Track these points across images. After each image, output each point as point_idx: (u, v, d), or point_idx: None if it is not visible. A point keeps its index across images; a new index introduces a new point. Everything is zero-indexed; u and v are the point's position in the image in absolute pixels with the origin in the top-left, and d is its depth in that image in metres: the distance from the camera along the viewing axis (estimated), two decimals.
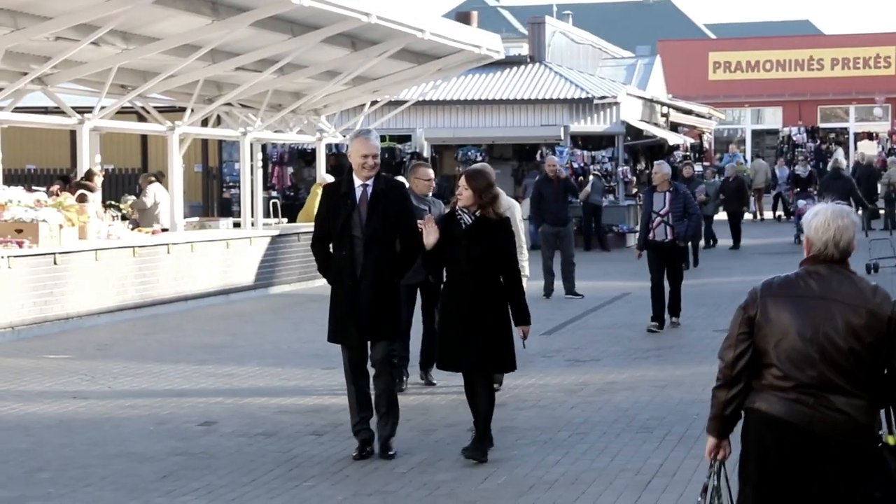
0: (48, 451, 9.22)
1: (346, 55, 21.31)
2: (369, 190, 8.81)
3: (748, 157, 48.16)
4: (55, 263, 15.99)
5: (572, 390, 11.60)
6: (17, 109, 19.94)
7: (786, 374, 4.93)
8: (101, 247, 17.02)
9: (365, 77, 23.53)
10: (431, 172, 11.97)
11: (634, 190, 32.61)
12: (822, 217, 4.97)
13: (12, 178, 25.53)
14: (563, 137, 31.26)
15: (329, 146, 28.22)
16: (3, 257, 15.07)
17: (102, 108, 19.29)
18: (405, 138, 32.09)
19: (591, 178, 30.20)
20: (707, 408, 9.23)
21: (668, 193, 15.62)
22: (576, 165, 31.00)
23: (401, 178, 28.76)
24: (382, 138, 31.39)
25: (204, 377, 12.51)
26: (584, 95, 31.47)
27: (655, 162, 17.29)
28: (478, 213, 8.75)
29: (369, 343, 8.89)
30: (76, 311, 16.36)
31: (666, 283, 15.78)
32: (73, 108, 19.52)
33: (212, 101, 22.05)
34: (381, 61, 21.96)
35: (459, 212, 8.83)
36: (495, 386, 10.90)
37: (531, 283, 12.51)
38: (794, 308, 4.94)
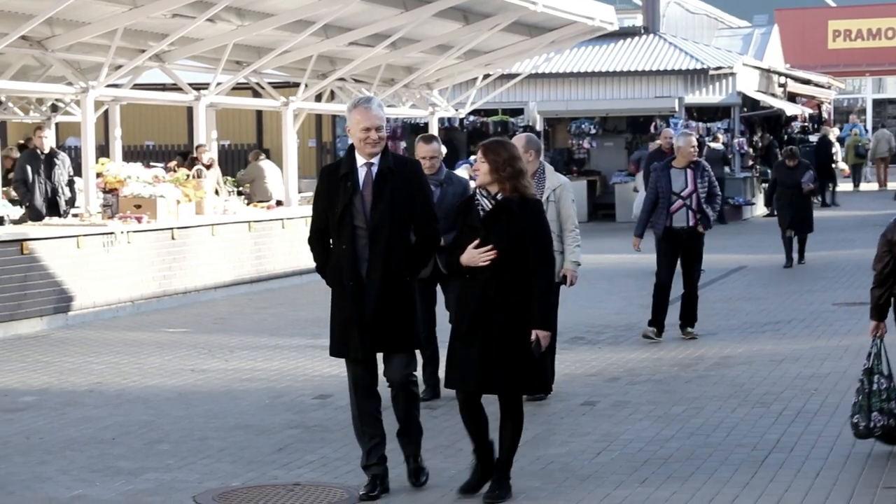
0: (167, 423, 9.37)
1: (459, 29, 21.27)
2: (374, 170, 7.17)
3: (868, 127, 47.16)
4: (173, 238, 16.24)
5: (687, 364, 11.48)
6: (136, 86, 20.27)
7: None
8: (217, 222, 17.25)
9: (477, 50, 23.47)
10: (431, 147, 9.82)
11: (751, 162, 32.23)
12: None
13: (132, 155, 25.99)
14: (677, 109, 30.90)
15: (441, 120, 28.25)
16: (122, 232, 15.35)
17: (218, 84, 19.50)
18: (518, 112, 31.97)
19: (706, 148, 29.79)
20: (825, 383, 9.61)
21: (688, 170, 12.69)
22: None
23: None
24: (495, 112, 31.36)
25: (319, 351, 12.59)
26: (699, 66, 31.07)
27: (681, 132, 13.99)
28: (498, 196, 7.07)
29: (382, 358, 7.30)
30: (193, 286, 16.61)
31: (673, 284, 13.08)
32: (190, 84, 19.76)
33: (325, 77, 22.18)
34: (493, 34, 21.88)
35: (479, 195, 7.17)
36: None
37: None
38: None
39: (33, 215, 17.51)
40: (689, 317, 13.02)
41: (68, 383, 11.04)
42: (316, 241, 7.41)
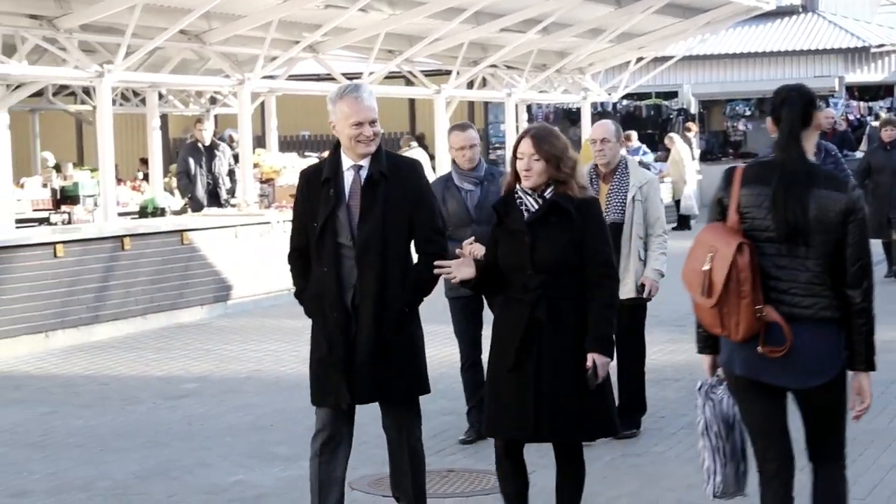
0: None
1: (611, 12, 21.10)
2: (364, 174, 5.84)
3: None
4: None
5: None
6: (291, 77, 20.57)
7: None
8: None
9: (630, 34, 23.26)
10: (469, 135, 8.24)
11: None
12: None
13: (287, 145, 26.41)
14: (837, 89, 30.23)
15: (594, 105, 28.08)
16: (278, 222, 15.58)
17: (371, 73, 19.68)
18: (672, 95, 31.65)
19: (867, 127, 29.10)
20: None
21: None
22: (851, 117, 29.91)
23: (675, 136, 27.47)
24: (648, 95, 31.04)
25: None
26: (860, 44, 30.35)
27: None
28: (547, 195, 5.62)
29: (379, 406, 6.19)
30: None
31: None
32: (343, 74, 19.98)
33: (477, 64, 22.22)
34: (646, 17, 21.66)
35: (519, 192, 5.71)
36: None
37: None
38: None
39: (195, 206, 17.88)
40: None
41: (228, 370, 11.26)
42: (297, 258, 6.02)
